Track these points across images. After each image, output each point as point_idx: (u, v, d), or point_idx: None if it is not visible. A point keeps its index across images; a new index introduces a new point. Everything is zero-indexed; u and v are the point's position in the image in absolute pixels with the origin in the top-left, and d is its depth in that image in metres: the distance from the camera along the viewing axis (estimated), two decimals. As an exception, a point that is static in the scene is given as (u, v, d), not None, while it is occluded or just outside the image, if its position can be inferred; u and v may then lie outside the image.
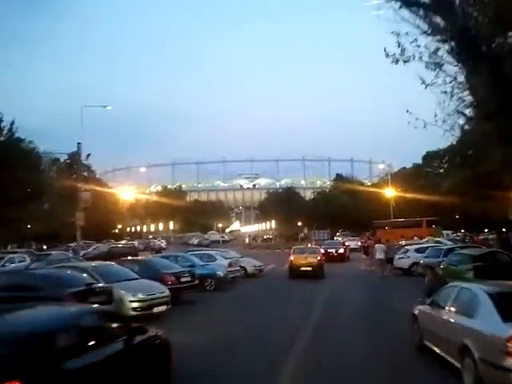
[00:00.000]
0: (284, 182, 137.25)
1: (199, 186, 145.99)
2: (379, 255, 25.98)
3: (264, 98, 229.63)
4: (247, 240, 74.50)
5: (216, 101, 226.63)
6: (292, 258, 24.25)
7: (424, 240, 36.13)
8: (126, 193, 63.18)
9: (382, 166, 73.82)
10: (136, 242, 59.48)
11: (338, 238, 66.97)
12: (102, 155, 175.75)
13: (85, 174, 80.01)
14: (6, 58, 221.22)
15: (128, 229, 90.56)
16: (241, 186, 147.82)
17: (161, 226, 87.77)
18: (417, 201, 69.88)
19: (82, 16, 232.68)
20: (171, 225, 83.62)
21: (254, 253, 49.89)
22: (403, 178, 78.68)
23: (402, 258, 24.62)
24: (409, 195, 69.40)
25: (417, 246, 25.62)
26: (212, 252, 23.25)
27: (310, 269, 23.42)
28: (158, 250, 42.69)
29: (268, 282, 23.16)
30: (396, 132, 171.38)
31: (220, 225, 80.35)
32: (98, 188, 65.50)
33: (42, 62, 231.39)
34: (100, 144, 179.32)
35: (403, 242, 33.29)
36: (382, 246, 26.61)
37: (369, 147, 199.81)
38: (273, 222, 79.28)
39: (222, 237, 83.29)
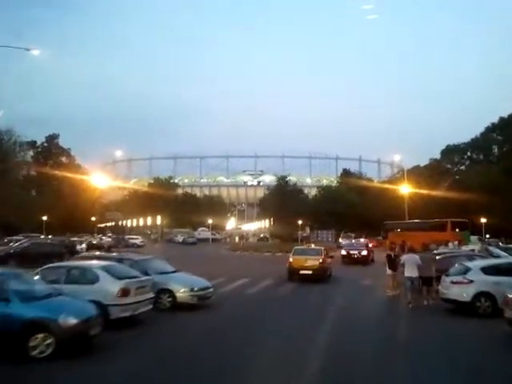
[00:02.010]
0: (289, 179, 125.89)
1: (202, 181, 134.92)
2: (409, 272, 14.77)
3: (271, 94, 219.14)
4: (237, 239, 62.72)
5: (222, 96, 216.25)
6: (291, 259, 20.53)
7: (468, 248, 24.24)
8: (101, 181, 51.66)
9: (397, 158, 61.39)
10: (105, 237, 48.31)
11: (341, 241, 56.09)
12: (104, 147, 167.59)
13: (63, 159, 69.62)
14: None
15: (120, 223, 79.92)
16: (245, 183, 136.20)
17: (149, 221, 76.43)
18: (435, 200, 57.95)
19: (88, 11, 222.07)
20: (158, 219, 71.96)
21: (237, 256, 38.61)
22: (418, 175, 65.98)
23: (459, 282, 12.87)
24: (427, 192, 57.24)
25: (484, 263, 13.77)
26: (95, 264, 11.47)
27: (310, 272, 19.80)
28: (108, 249, 31.07)
29: (202, 330, 11.25)
30: (405, 132, 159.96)
31: (210, 221, 68.54)
32: (68, 174, 54.68)
33: (54, 53, 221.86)
34: (102, 136, 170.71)
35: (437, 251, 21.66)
36: (415, 256, 15.18)
37: (377, 147, 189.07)
38: (272, 220, 67.85)
39: (213, 234, 71.50)
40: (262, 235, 73.38)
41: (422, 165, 74.74)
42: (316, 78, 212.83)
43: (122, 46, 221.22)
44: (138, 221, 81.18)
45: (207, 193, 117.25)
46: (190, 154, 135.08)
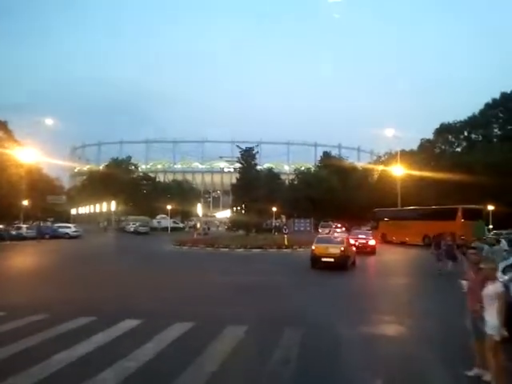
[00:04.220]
0: (266, 166, 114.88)
1: (175, 166, 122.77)
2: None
3: (250, 81, 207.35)
4: (198, 228, 51.49)
5: (199, 82, 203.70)
6: (313, 247, 19.44)
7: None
8: (28, 156, 39.62)
9: (391, 133, 50.61)
10: (25, 226, 36.52)
11: (320, 230, 46.57)
12: (75, 130, 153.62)
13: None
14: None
15: (71, 209, 67.87)
16: (221, 169, 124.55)
17: (105, 207, 64.36)
18: (429, 184, 47.39)
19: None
20: (113, 205, 59.89)
21: (178, 254, 27.09)
22: (408, 158, 55.05)
23: None
24: (419, 176, 46.54)
25: None
26: None
27: (331, 260, 18.80)
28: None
29: None
30: (386, 120, 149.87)
31: (169, 207, 56.79)
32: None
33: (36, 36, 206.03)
34: (73, 119, 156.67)
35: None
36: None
37: (357, 135, 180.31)
38: (242, 206, 56.77)
39: (175, 222, 59.86)
40: (229, 224, 62.46)
41: (407, 149, 64.08)
42: (296, 65, 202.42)
43: (98, 31, 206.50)
44: (94, 207, 69.12)
45: (181, 179, 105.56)
46: (163, 139, 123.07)
